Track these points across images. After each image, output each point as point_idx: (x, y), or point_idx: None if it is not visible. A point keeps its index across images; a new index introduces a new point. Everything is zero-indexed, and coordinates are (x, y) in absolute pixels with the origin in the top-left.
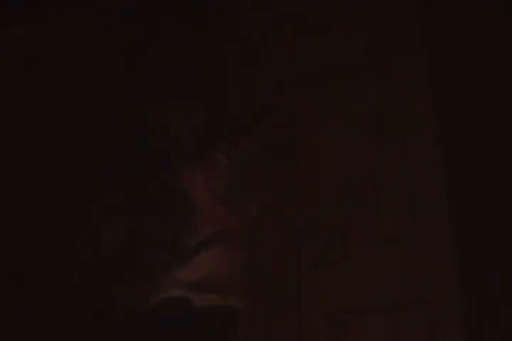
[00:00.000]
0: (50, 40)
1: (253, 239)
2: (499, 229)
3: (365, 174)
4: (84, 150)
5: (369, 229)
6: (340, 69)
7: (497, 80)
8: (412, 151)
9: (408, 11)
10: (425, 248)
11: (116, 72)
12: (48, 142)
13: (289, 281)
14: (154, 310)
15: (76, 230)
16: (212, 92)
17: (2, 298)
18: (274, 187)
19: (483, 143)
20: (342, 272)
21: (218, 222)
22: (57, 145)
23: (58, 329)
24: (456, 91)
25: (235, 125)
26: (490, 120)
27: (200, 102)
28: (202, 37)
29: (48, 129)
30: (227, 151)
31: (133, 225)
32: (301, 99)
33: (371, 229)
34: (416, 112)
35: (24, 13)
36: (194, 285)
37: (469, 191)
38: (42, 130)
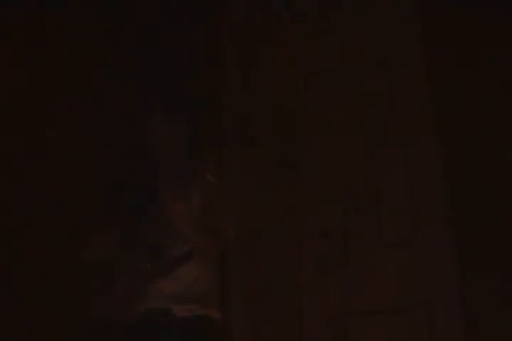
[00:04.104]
0: (50, 40)
1: (255, 242)
2: (499, 231)
3: (366, 177)
4: (85, 150)
5: (370, 232)
6: (340, 71)
7: (497, 80)
8: (412, 154)
9: (408, 11)
10: (426, 250)
11: (116, 72)
12: (49, 142)
13: (291, 284)
14: (137, 321)
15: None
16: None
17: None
18: (275, 190)
19: (483, 144)
20: (343, 274)
21: (194, 240)
22: (57, 145)
23: (46, 334)
24: (456, 92)
25: (233, 135)
26: (490, 120)
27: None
28: (201, 37)
29: (47, 129)
30: (217, 170)
31: (119, 236)
32: (301, 104)
33: (372, 232)
34: (416, 113)
35: (24, 13)
36: (176, 296)
37: (469, 194)
38: (42, 130)
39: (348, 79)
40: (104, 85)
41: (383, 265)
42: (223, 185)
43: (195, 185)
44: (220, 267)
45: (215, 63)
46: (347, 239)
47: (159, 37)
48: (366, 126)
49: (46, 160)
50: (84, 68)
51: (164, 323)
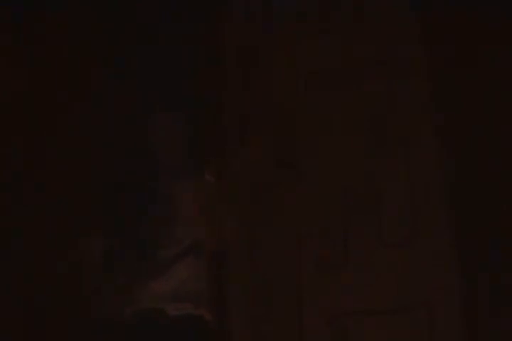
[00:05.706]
0: (50, 40)
1: (255, 242)
2: (500, 231)
3: (366, 177)
4: (85, 150)
5: (370, 232)
6: (340, 71)
7: (497, 80)
8: (412, 154)
9: (408, 11)
10: (426, 250)
11: (116, 72)
12: (49, 142)
13: (291, 284)
14: (129, 322)
15: (53, 241)
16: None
17: None
18: (275, 190)
19: (484, 145)
20: (343, 274)
21: (193, 240)
22: (57, 145)
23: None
24: (456, 92)
25: (232, 135)
26: (491, 121)
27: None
28: (201, 37)
29: (47, 129)
30: (217, 170)
31: (119, 236)
32: (301, 104)
33: (372, 232)
34: (416, 113)
35: (24, 13)
36: (168, 294)
37: (470, 193)
38: (42, 130)
39: (348, 79)
40: (104, 85)
41: (383, 265)
42: (223, 185)
43: (195, 185)
44: (219, 267)
45: (215, 63)
46: (347, 239)
47: (159, 37)
48: (366, 126)
49: (46, 160)
50: (84, 68)
51: (157, 322)
